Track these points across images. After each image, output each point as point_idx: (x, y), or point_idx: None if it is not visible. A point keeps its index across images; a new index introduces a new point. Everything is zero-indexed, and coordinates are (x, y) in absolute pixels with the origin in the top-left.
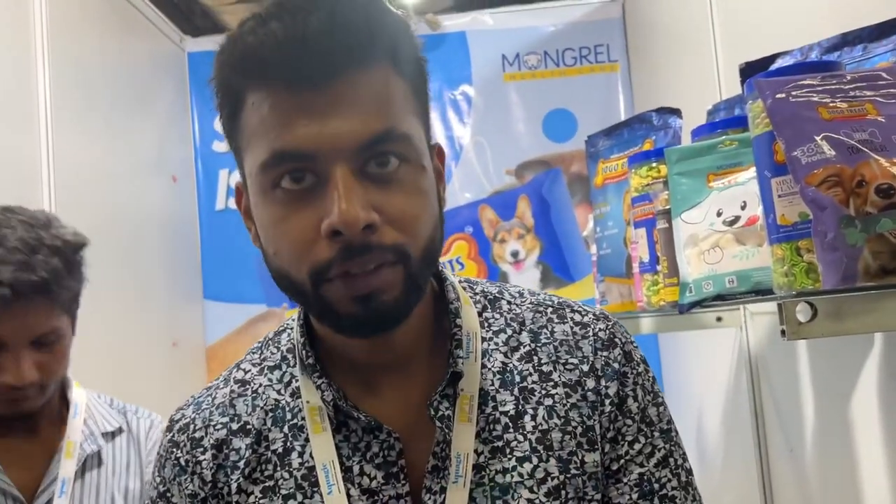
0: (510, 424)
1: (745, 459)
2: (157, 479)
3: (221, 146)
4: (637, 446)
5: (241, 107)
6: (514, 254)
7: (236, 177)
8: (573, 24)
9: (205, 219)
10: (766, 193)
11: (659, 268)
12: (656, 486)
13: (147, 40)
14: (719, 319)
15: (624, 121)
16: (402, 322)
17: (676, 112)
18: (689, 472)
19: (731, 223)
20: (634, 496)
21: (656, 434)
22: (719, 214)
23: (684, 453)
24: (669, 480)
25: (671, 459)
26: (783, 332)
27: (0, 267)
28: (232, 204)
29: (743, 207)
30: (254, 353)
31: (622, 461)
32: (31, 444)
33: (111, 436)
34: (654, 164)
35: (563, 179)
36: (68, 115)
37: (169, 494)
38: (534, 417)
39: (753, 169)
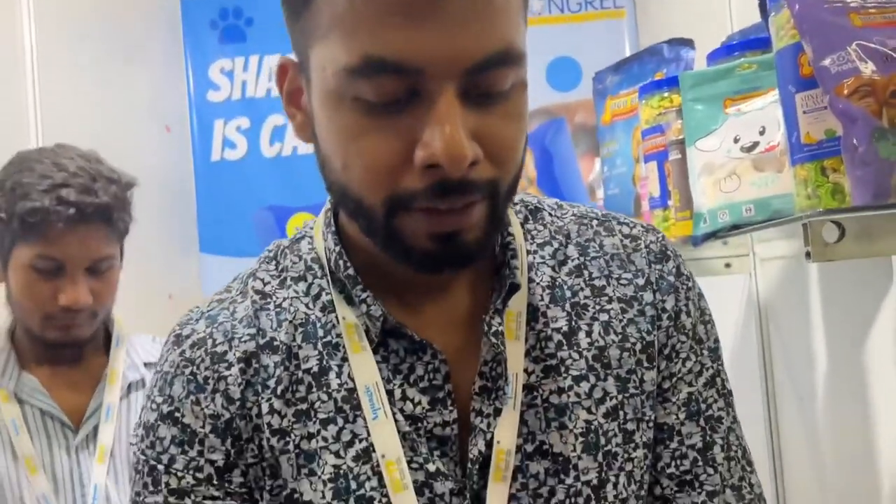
0: (563, 342)
1: (752, 409)
2: (160, 399)
3: (217, 96)
4: (688, 364)
5: None
6: None
7: (231, 128)
8: None
9: (200, 170)
10: (790, 110)
11: (670, 202)
12: (703, 406)
13: None
14: (728, 266)
15: (633, 54)
16: (478, 260)
17: (689, 43)
18: (731, 393)
19: (749, 149)
20: (682, 416)
21: (705, 353)
22: (736, 141)
23: (726, 375)
24: (716, 401)
25: (718, 379)
26: (808, 255)
27: (64, 189)
28: (228, 155)
29: (762, 133)
30: (268, 262)
31: (674, 379)
32: (77, 372)
33: (153, 367)
34: (666, 94)
35: (568, 130)
36: (56, 63)
37: (178, 415)
38: (589, 334)
39: (773, 93)
